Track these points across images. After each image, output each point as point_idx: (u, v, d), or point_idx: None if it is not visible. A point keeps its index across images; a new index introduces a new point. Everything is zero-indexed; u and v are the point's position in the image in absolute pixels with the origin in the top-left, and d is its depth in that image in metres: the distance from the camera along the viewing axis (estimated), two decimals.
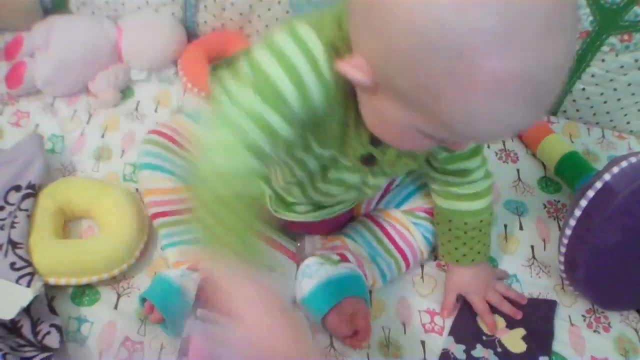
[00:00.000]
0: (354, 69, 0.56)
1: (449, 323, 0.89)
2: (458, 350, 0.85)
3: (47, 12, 1.19)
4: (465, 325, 0.88)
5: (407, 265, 0.92)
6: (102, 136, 1.07)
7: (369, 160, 0.73)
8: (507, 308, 0.89)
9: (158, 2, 1.17)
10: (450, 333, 0.88)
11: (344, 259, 0.88)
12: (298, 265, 0.90)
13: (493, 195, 0.91)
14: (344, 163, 0.74)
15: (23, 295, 0.80)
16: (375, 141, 0.69)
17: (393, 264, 0.90)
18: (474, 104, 0.50)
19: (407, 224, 0.92)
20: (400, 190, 0.95)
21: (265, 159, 0.63)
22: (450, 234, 0.88)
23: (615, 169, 0.83)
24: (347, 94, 0.63)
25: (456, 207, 0.87)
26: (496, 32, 0.47)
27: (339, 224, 0.96)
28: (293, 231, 0.94)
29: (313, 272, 0.86)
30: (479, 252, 0.89)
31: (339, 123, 0.67)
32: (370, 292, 0.89)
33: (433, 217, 0.91)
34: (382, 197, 0.95)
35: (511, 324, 0.89)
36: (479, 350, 0.85)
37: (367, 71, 0.56)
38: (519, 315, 0.89)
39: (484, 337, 0.87)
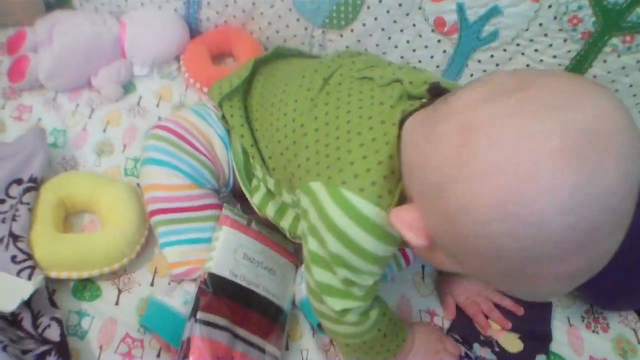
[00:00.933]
0: (409, 230, 0.57)
1: (447, 323, 0.90)
2: None
3: (50, 7, 1.19)
4: (463, 324, 0.89)
5: (407, 262, 0.90)
6: (104, 131, 1.07)
7: None
8: (496, 316, 0.89)
9: None
10: (449, 332, 0.88)
11: None
12: (297, 268, 0.90)
13: None
14: None
15: (24, 288, 0.80)
16: None
17: (393, 262, 0.89)
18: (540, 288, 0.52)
19: None
20: None
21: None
22: None
23: None
24: None
25: None
26: (568, 245, 0.48)
27: None
28: None
29: None
30: None
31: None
32: None
33: None
34: None
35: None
36: (476, 349, 0.86)
37: (421, 229, 0.56)
38: (507, 325, 0.89)
39: (482, 337, 0.88)
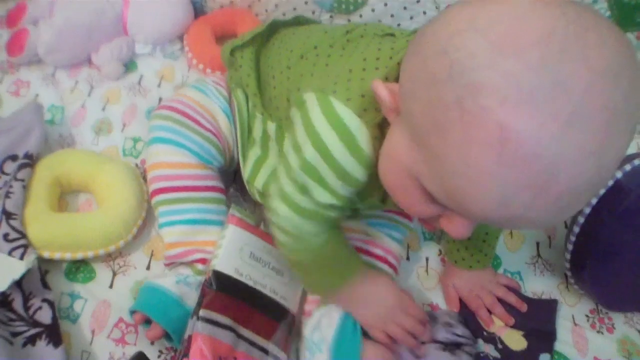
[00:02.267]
0: (385, 89, 0.56)
1: None
2: (431, 347, 0.83)
3: None
4: (467, 320, 0.87)
5: (395, 270, 0.87)
6: (103, 109, 1.05)
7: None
8: (499, 311, 0.87)
9: None
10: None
11: None
12: None
13: None
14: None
15: (15, 268, 0.78)
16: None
17: (401, 226, 0.88)
18: (473, 158, 0.46)
19: (365, 228, 0.87)
20: None
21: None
22: (471, 248, 0.87)
23: (628, 167, 0.82)
24: None
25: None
26: (523, 85, 0.43)
27: None
28: None
29: (319, 342, 0.79)
30: (478, 261, 0.87)
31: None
32: None
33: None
34: None
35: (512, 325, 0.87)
36: (480, 345, 0.84)
37: (394, 95, 0.55)
38: (510, 321, 0.87)
39: (485, 333, 0.86)
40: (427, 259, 0.94)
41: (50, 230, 0.84)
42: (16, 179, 0.86)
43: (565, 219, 0.49)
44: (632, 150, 1.10)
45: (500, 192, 0.46)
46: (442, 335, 0.80)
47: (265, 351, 0.78)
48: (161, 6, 1.12)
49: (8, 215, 0.83)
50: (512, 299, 0.88)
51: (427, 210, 0.56)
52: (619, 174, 0.81)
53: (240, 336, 0.76)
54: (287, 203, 0.68)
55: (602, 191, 0.81)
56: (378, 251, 0.86)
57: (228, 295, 0.78)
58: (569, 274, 0.89)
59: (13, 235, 0.81)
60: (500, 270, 0.94)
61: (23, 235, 0.82)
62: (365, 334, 0.79)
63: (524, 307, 0.88)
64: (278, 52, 0.84)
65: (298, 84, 0.75)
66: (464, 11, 0.48)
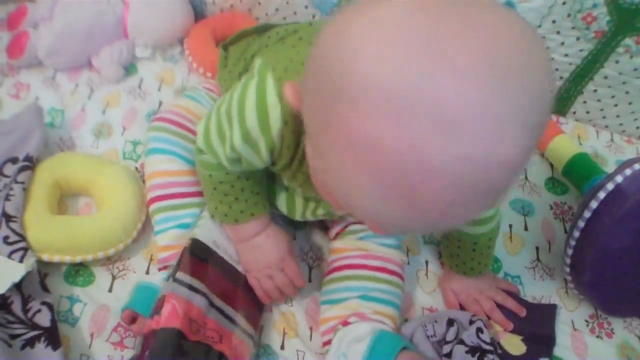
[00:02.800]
0: (290, 90, 0.55)
1: None
2: (459, 349, 0.83)
3: None
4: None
5: (399, 276, 0.86)
6: (103, 112, 1.05)
7: None
8: (497, 316, 0.87)
9: None
10: None
11: (344, 324, 0.80)
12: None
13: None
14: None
15: (15, 271, 0.77)
16: None
17: (388, 287, 0.84)
18: (341, 163, 0.45)
19: (356, 244, 0.86)
20: None
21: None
22: (445, 242, 0.88)
23: (628, 171, 0.82)
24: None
25: (467, 230, 0.83)
26: (389, 92, 0.41)
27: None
28: None
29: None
30: (472, 269, 0.87)
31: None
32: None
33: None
34: None
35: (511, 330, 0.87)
36: None
37: (297, 95, 0.54)
38: (509, 326, 0.87)
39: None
40: (426, 262, 0.94)
41: (49, 233, 0.84)
42: (16, 182, 0.86)
43: (448, 227, 0.48)
44: (630, 156, 1.11)
45: (370, 200, 0.45)
46: (470, 338, 0.80)
47: (234, 323, 0.78)
48: (162, 10, 1.12)
49: (8, 218, 0.82)
50: (511, 304, 0.88)
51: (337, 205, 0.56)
52: (619, 178, 0.81)
53: (212, 304, 0.77)
54: (204, 134, 0.74)
55: (602, 195, 0.81)
56: (376, 262, 0.85)
57: (204, 263, 0.79)
58: (568, 278, 0.89)
59: (13, 237, 0.81)
60: (501, 274, 0.94)
61: (23, 238, 0.81)
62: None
63: (522, 312, 0.88)
64: (266, 44, 0.85)
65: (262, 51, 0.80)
66: (349, 14, 0.46)
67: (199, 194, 0.86)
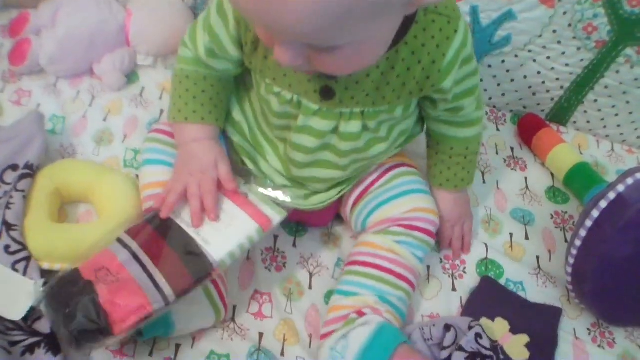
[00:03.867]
0: None
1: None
2: (458, 356, 0.83)
3: None
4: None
5: (413, 289, 0.87)
6: (105, 119, 1.05)
7: (327, 94, 0.75)
8: (456, 244, 0.95)
9: None
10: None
11: (359, 314, 0.81)
12: (263, 229, 0.81)
13: (499, 200, 0.95)
14: (309, 106, 0.76)
15: (28, 291, 0.77)
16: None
17: (404, 296, 0.84)
18: None
19: (391, 246, 0.85)
20: (376, 195, 0.89)
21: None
22: (436, 158, 0.92)
23: (630, 181, 0.82)
24: None
25: (445, 132, 0.89)
26: None
27: (329, 215, 0.94)
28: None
29: (342, 352, 0.78)
30: (462, 180, 0.93)
31: None
32: None
33: (408, 229, 0.86)
34: (358, 200, 0.90)
35: (515, 328, 0.86)
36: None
37: None
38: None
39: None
40: (428, 267, 0.94)
41: (50, 241, 0.84)
42: (16, 190, 0.86)
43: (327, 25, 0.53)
44: (631, 165, 1.11)
45: None
46: (469, 344, 0.79)
47: (154, 281, 0.74)
48: (164, 18, 1.12)
49: (8, 227, 0.82)
50: (467, 239, 0.96)
51: (281, 54, 0.60)
52: (621, 188, 0.81)
53: (136, 258, 0.76)
54: (191, 28, 0.84)
55: (604, 204, 0.81)
56: (402, 271, 0.84)
57: (151, 227, 0.79)
58: (569, 288, 0.89)
59: (14, 247, 0.81)
60: (503, 280, 0.94)
61: (24, 247, 0.82)
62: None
63: (467, 251, 0.96)
64: None
65: None
66: None
67: None
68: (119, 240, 0.78)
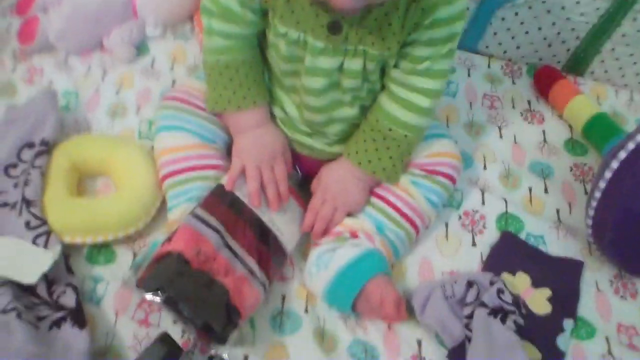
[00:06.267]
0: None
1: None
2: (481, 312, 0.82)
3: None
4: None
5: (417, 233, 0.88)
6: (117, 93, 1.05)
7: (335, 29, 0.76)
8: (319, 225, 0.86)
9: None
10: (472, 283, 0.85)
11: (353, 235, 0.85)
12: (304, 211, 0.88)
13: (517, 154, 0.95)
14: (315, 45, 0.78)
15: (43, 259, 0.78)
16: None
17: (404, 235, 0.86)
18: None
19: (406, 186, 0.87)
20: None
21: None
22: (368, 133, 0.86)
23: None
24: None
25: (390, 110, 0.84)
26: None
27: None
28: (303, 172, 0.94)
29: (326, 262, 0.83)
30: (383, 169, 0.86)
31: None
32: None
33: (430, 173, 0.88)
34: None
35: (537, 282, 0.86)
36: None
37: None
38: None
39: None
40: (446, 224, 0.94)
41: (70, 216, 0.84)
42: (34, 167, 0.86)
43: None
44: None
45: None
46: (492, 300, 0.80)
47: (250, 270, 0.79)
48: None
49: (28, 203, 0.83)
50: (338, 217, 0.87)
51: None
52: None
53: (226, 244, 0.79)
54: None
55: (623, 155, 0.80)
56: (409, 212, 0.87)
57: (224, 205, 0.82)
58: (590, 239, 0.88)
59: (34, 222, 0.82)
60: (523, 234, 0.93)
61: (44, 222, 0.83)
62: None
63: (331, 232, 0.86)
64: None
65: None
66: None
67: (210, 167, 0.87)
68: (200, 219, 0.79)
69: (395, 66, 0.82)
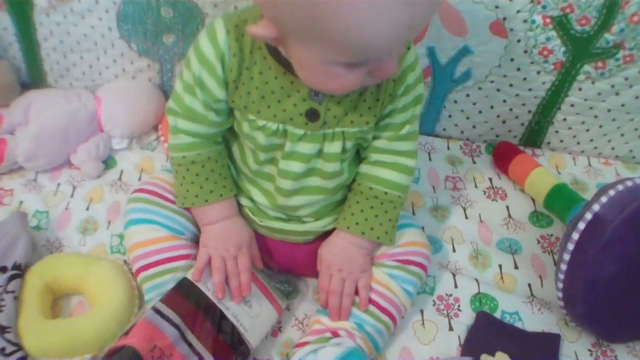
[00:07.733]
0: (258, 28, 0.69)
1: None
2: None
3: (25, 87, 1.19)
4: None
5: (395, 324, 0.89)
6: (87, 208, 1.06)
7: (313, 116, 0.79)
8: (346, 302, 0.86)
9: (134, 69, 1.17)
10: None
11: (334, 334, 0.85)
12: (279, 317, 0.90)
13: (484, 233, 0.98)
14: (295, 132, 0.80)
15: None
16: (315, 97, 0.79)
17: (383, 329, 0.87)
18: (344, 3, 0.58)
19: (383, 279, 0.88)
20: None
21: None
22: (363, 203, 0.87)
23: (604, 199, 0.83)
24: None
25: (382, 175, 0.87)
26: None
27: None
28: (276, 267, 0.95)
29: None
30: (386, 232, 0.87)
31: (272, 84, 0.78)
32: None
33: (403, 263, 0.88)
34: None
35: None
36: None
37: (269, 26, 0.68)
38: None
39: None
40: (422, 311, 0.94)
41: (45, 339, 0.84)
42: (7, 292, 0.86)
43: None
44: (609, 177, 1.12)
45: (376, 7, 0.58)
46: None
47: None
48: (133, 99, 1.14)
49: (2, 329, 0.83)
50: (364, 294, 0.86)
51: (357, 78, 0.68)
52: (596, 207, 0.82)
53: (185, 339, 0.79)
54: (176, 99, 0.86)
55: (582, 226, 0.82)
56: (387, 305, 0.87)
57: (189, 301, 0.82)
58: (563, 311, 0.89)
59: (10, 348, 0.82)
60: (498, 312, 0.94)
61: (20, 347, 0.82)
62: None
63: (365, 305, 0.86)
64: None
65: None
66: None
67: (182, 257, 0.88)
68: (160, 313, 0.80)
69: (375, 137, 0.85)
